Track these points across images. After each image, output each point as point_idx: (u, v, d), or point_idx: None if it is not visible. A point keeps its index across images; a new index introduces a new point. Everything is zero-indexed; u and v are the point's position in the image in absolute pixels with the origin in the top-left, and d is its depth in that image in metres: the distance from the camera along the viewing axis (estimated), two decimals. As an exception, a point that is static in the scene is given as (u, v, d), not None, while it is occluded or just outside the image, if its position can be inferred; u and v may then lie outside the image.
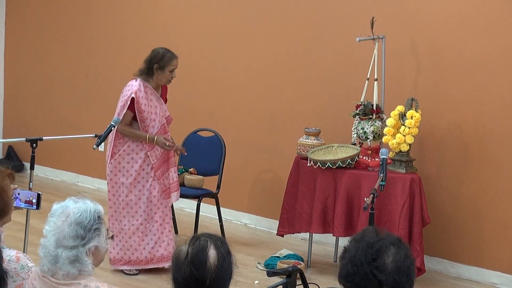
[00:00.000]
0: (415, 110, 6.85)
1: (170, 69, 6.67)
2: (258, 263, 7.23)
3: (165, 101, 6.93)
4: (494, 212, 7.00)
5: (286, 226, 7.29)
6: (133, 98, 6.57)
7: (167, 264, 6.79)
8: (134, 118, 6.70)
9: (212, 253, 3.04)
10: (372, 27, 7.09)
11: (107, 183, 6.86)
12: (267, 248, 7.72)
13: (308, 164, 7.03)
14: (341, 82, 7.86)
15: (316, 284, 4.34)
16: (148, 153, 6.71)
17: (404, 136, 6.81)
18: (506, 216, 6.93)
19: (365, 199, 5.45)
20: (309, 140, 7.21)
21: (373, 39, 7.14)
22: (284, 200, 7.29)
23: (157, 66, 6.64)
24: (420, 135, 6.99)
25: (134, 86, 6.65)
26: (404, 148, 6.85)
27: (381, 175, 5.62)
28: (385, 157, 5.75)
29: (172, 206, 7.99)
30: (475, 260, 7.14)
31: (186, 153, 7.26)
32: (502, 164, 6.93)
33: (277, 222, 7.41)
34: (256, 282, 6.78)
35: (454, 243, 7.25)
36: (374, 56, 7.13)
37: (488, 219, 7.04)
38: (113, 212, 6.81)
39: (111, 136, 6.72)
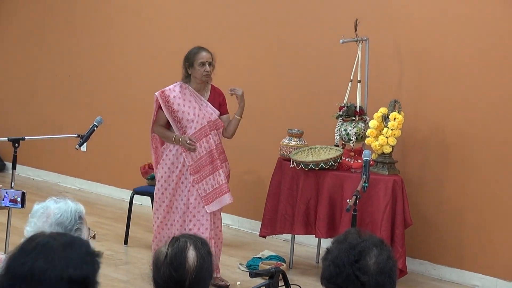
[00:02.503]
0: (398, 112, 6.86)
1: (199, 62, 6.51)
2: (240, 264, 7.22)
3: (218, 103, 6.71)
4: (475, 214, 7.02)
5: (269, 227, 7.28)
6: (161, 96, 6.56)
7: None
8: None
9: (191, 254, 3.02)
10: (355, 29, 7.10)
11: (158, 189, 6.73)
12: (250, 249, 7.71)
13: (291, 165, 7.03)
14: (325, 84, 7.87)
15: (298, 285, 4.35)
16: (184, 154, 6.56)
17: (387, 138, 6.82)
18: (487, 218, 6.95)
19: (348, 200, 5.45)
20: (292, 141, 7.21)
21: (356, 41, 7.15)
22: (266, 201, 7.29)
23: (187, 64, 6.58)
24: (403, 137, 7.00)
25: (169, 87, 6.64)
26: (387, 150, 6.86)
27: (364, 176, 5.63)
28: (367, 158, 5.76)
29: (153, 206, 7.96)
30: (456, 262, 7.16)
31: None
32: (483, 166, 6.95)
33: (260, 223, 7.41)
34: (238, 283, 6.78)
35: (435, 245, 7.27)
36: (358, 58, 7.14)
37: (469, 221, 7.06)
38: (156, 219, 6.73)
39: (151, 142, 6.71)
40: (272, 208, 7.24)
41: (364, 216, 6.65)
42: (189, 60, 6.55)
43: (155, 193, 6.74)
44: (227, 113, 6.78)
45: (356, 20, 7.10)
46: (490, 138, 6.90)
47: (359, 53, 7.15)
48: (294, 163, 6.99)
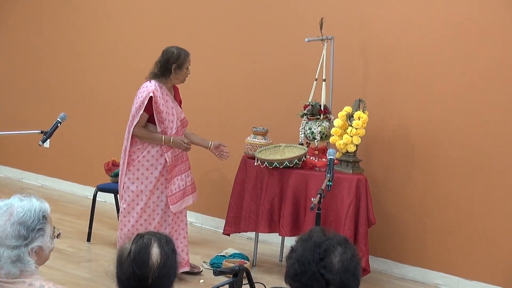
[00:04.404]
0: (363, 111, 6.89)
1: (187, 66, 6.58)
2: (204, 262, 7.21)
3: (180, 102, 6.79)
4: (438, 214, 7.06)
5: (233, 225, 7.27)
6: (151, 97, 6.43)
7: (179, 271, 6.73)
8: (149, 120, 6.55)
9: (155, 251, 3.01)
10: (321, 28, 7.11)
11: (124, 192, 6.65)
12: (213, 247, 7.71)
13: (255, 164, 7.03)
14: (290, 82, 7.88)
15: (262, 284, 4.34)
16: (165, 154, 6.53)
17: (351, 137, 6.84)
18: (450, 217, 7.00)
19: (312, 199, 5.45)
20: (256, 140, 7.21)
21: (322, 39, 7.16)
22: (230, 199, 7.28)
23: (175, 66, 6.53)
24: (367, 136, 7.03)
25: (150, 86, 6.51)
26: (351, 148, 6.88)
27: (328, 175, 5.64)
28: (332, 157, 5.77)
29: (117, 203, 7.94)
30: (419, 260, 7.20)
31: (225, 145, 7.04)
32: (447, 167, 6.99)
33: (224, 221, 7.40)
34: (201, 281, 6.77)
35: (398, 243, 7.31)
36: (323, 57, 7.15)
37: (432, 221, 7.10)
38: (130, 222, 6.63)
39: (126, 142, 6.59)
40: (236, 206, 7.23)
41: (328, 215, 6.66)
42: (178, 62, 6.54)
43: (127, 195, 6.63)
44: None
45: (322, 19, 7.11)
46: (454, 139, 6.95)
47: (324, 52, 7.16)
48: (259, 161, 6.99)
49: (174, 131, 6.57)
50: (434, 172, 7.07)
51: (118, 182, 7.61)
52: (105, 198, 8.85)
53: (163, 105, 6.50)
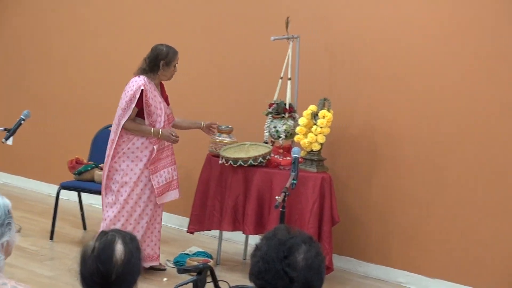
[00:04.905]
0: (328, 110, 6.91)
1: (175, 63, 6.75)
2: (168, 260, 7.19)
3: (166, 98, 6.90)
4: (401, 212, 7.11)
5: (197, 224, 7.26)
6: (142, 90, 6.56)
7: (148, 264, 6.83)
8: (137, 114, 6.65)
9: (119, 248, 3.00)
10: (287, 27, 7.12)
11: (107, 183, 6.74)
12: (177, 246, 7.69)
13: (220, 162, 7.02)
14: (255, 81, 7.88)
15: (226, 282, 4.34)
16: (155, 146, 6.66)
17: (316, 135, 6.86)
18: (413, 216, 7.04)
19: (277, 197, 5.46)
20: (221, 138, 7.20)
21: (287, 38, 7.17)
22: (195, 197, 7.27)
23: (163, 63, 6.69)
24: (332, 135, 7.04)
25: (140, 80, 6.65)
26: (316, 147, 6.90)
27: (293, 173, 5.65)
28: (297, 156, 5.78)
29: (80, 201, 7.90)
30: (382, 259, 7.24)
31: (217, 124, 7.24)
32: (410, 166, 7.04)
33: (188, 219, 7.38)
34: (165, 279, 6.75)
35: (362, 242, 7.34)
36: (288, 56, 7.16)
37: (395, 220, 7.14)
38: (113, 212, 6.69)
39: (114, 135, 6.67)
40: (200, 204, 7.22)
41: (292, 213, 6.67)
42: (167, 59, 6.70)
43: (113, 186, 6.71)
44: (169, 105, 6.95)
45: (287, 18, 7.12)
46: (416, 138, 6.99)
47: (289, 50, 7.17)
48: (223, 160, 6.99)
49: (162, 125, 6.69)
50: (398, 171, 7.11)
51: (82, 180, 7.61)
52: (69, 196, 8.79)
53: (152, 99, 6.64)
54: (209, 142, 7.25)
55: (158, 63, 6.68)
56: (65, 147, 9.19)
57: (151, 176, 6.69)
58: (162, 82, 6.87)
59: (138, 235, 6.64)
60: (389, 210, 7.17)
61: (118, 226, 6.58)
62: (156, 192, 6.73)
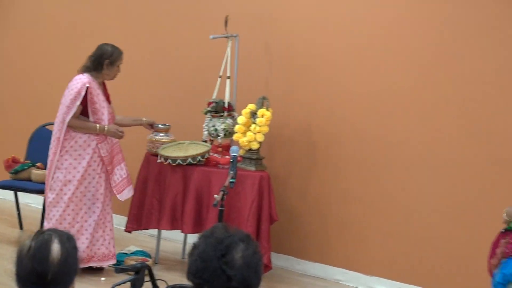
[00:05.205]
0: (266, 109, 6.93)
1: (118, 64, 6.73)
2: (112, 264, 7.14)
3: (108, 97, 6.86)
4: (338, 211, 7.16)
5: (135, 223, 7.23)
6: (87, 88, 6.54)
7: (106, 264, 6.81)
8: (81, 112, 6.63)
9: (55, 247, 2.96)
10: (226, 25, 7.12)
11: (52, 182, 6.66)
12: (115, 245, 7.62)
13: (158, 160, 7.00)
14: (194, 79, 7.87)
15: (164, 281, 4.32)
16: (99, 145, 6.65)
17: (255, 134, 6.88)
18: (350, 214, 7.10)
19: (215, 196, 5.48)
20: (158, 137, 7.17)
21: (226, 37, 7.17)
22: (133, 196, 7.22)
23: (108, 62, 6.67)
24: (271, 134, 7.07)
25: (84, 78, 6.62)
26: (254, 146, 6.92)
27: (231, 172, 5.66)
28: (235, 154, 5.79)
29: (17, 201, 7.81)
30: (320, 257, 7.28)
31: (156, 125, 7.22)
32: (348, 164, 7.09)
33: (126, 218, 7.34)
34: (103, 279, 6.71)
35: (300, 240, 7.38)
36: (227, 54, 7.16)
37: (333, 218, 7.19)
38: (58, 211, 6.63)
39: (59, 133, 6.61)
40: (138, 203, 7.19)
41: (231, 212, 6.68)
42: (111, 59, 6.69)
43: (56, 185, 6.65)
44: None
45: (227, 16, 7.12)
46: (353, 136, 7.05)
47: (228, 49, 7.17)
48: (162, 158, 6.96)
49: (106, 122, 6.69)
50: (336, 169, 7.16)
51: (18, 179, 7.52)
52: (5, 196, 8.68)
53: (96, 97, 6.64)
54: (146, 141, 7.21)
55: (102, 62, 6.67)
56: (1, 145, 9.07)
57: (110, 176, 6.75)
58: (105, 81, 6.85)
59: (87, 234, 6.62)
60: (328, 208, 7.22)
61: (65, 225, 6.54)
62: (114, 191, 6.78)
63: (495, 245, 5.27)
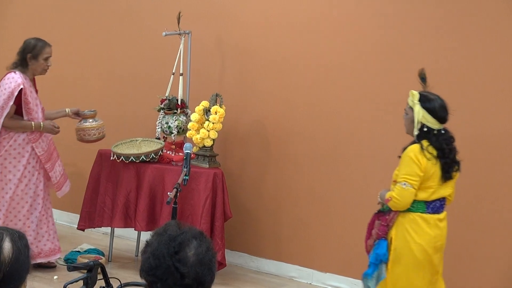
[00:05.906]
0: (220, 106, 6.92)
1: (44, 57, 6.57)
2: (58, 258, 7.08)
3: (36, 92, 6.73)
4: (292, 208, 7.17)
5: (87, 220, 7.19)
6: (21, 89, 6.44)
7: (54, 258, 6.80)
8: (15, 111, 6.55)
9: (6, 246, 2.93)
10: (178, 22, 7.10)
11: None
12: (68, 243, 7.58)
13: (112, 158, 6.96)
14: (147, 76, 7.84)
15: (117, 279, 4.29)
16: (34, 145, 6.60)
17: (208, 131, 6.87)
18: (304, 212, 7.12)
19: (169, 193, 5.45)
20: (87, 123, 6.79)
21: (179, 34, 7.16)
22: (85, 194, 7.19)
23: (30, 56, 6.54)
24: (224, 131, 7.07)
25: (17, 78, 6.50)
26: (208, 143, 6.91)
27: (185, 169, 5.65)
28: (189, 151, 5.78)
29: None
30: (274, 254, 7.30)
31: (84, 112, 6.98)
32: (301, 162, 7.11)
33: (78, 216, 7.29)
34: (55, 277, 6.66)
35: (254, 237, 7.38)
36: (180, 51, 7.15)
37: (287, 215, 7.21)
38: (1, 211, 6.57)
39: None
40: (90, 201, 7.15)
41: (184, 209, 6.68)
42: (33, 52, 6.56)
43: None
44: None
45: (179, 13, 7.10)
46: (308, 134, 7.06)
47: (181, 46, 7.15)
48: (115, 156, 6.92)
49: (40, 121, 6.63)
50: (290, 166, 7.18)
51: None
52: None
53: (29, 96, 6.55)
54: (76, 130, 6.99)
55: (25, 56, 6.56)
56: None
57: (49, 173, 6.72)
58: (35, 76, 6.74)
59: (30, 230, 6.57)
60: (282, 205, 7.23)
61: (7, 223, 6.49)
62: (56, 187, 6.81)
63: (371, 226, 5.32)
